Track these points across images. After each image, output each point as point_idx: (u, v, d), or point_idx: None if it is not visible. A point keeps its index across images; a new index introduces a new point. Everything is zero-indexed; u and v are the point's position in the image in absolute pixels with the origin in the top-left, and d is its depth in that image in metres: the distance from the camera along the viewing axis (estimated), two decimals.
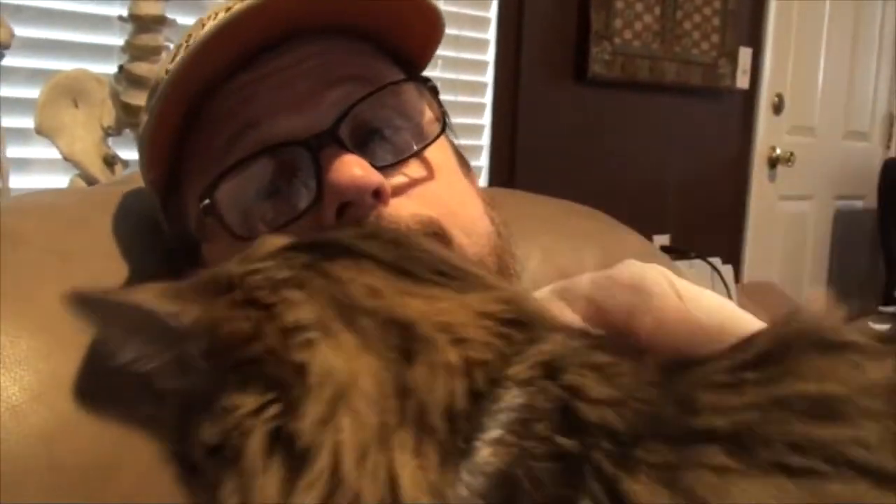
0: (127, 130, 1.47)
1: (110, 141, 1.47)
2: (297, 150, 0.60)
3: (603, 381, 0.36)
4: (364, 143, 0.63)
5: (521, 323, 0.40)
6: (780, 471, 0.31)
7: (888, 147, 4.02)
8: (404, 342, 0.37)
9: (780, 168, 3.39)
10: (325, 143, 0.60)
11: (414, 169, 0.63)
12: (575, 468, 0.33)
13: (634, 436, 0.33)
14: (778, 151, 3.36)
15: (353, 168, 0.59)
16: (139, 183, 0.71)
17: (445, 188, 0.64)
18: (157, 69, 0.67)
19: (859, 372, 0.34)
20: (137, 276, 0.66)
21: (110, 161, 1.45)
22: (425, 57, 0.71)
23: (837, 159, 3.75)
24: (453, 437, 0.35)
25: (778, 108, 3.37)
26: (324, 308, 0.38)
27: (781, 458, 0.31)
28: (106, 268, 0.67)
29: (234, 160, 0.61)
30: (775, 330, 0.37)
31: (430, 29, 0.68)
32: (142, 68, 1.41)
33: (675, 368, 0.36)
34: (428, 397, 0.36)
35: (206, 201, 0.61)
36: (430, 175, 0.64)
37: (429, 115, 0.66)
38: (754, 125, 3.27)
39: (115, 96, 1.44)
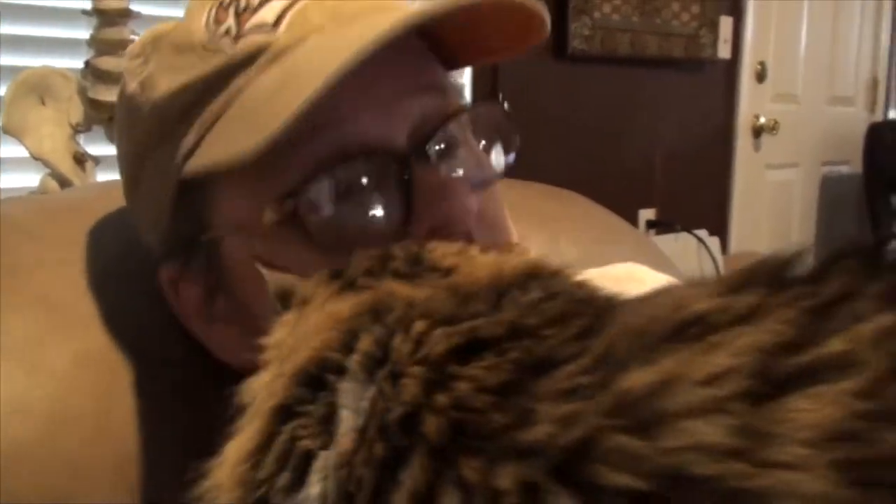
0: (96, 126, 1.45)
1: (80, 138, 1.45)
2: (387, 160, 0.56)
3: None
4: (445, 160, 0.59)
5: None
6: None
7: (872, 111, 4.00)
8: None
9: (764, 137, 3.38)
10: (417, 159, 0.57)
11: (480, 197, 0.61)
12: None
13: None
14: (762, 120, 3.35)
15: (458, 196, 0.56)
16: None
17: (503, 213, 0.62)
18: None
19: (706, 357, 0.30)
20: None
21: (80, 159, 1.42)
22: (473, 63, 0.68)
23: (822, 125, 3.73)
24: None
25: (761, 77, 3.34)
26: None
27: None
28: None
29: (313, 160, 0.55)
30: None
31: (520, 33, 0.62)
32: (108, 63, 1.38)
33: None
34: None
35: (289, 203, 0.55)
36: (497, 201, 0.62)
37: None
38: (737, 94, 3.24)
39: (82, 92, 1.41)
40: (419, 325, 0.36)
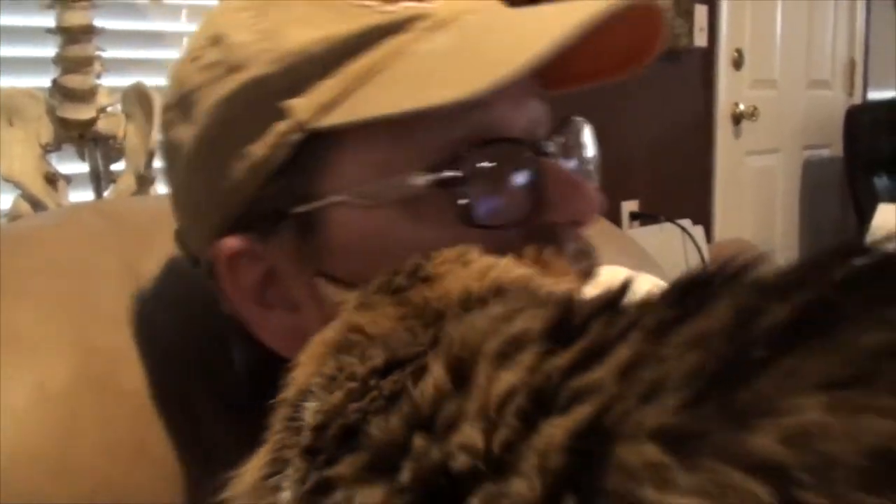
0: (66, 145, 1.43)
1: (51, 157, 1.43)
2: (525, 148, 0.57)
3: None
4: (567, 159, 0.62)
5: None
6: None
7: (851, 93, 4.01)
8: None
9: (744, 123, 3.38)
10: (544, 151, 0.58)
11: None
12: None
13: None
14: (741, 107, 3.35)
15: (589, 192, 0.58)
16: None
17: None
18: None
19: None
20: None
21: (52, 178, 1.41)
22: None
23: (801, 110, 3.73)
24: None
25: (738, 64, 3.34)
26: None
27: None
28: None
29: (458, 136, 0.55)
30: None
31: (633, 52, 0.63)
32: (75, 80, 1.37)
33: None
34: None
35: (456, 173, 0.54)
36: None
37: None
38: (715, 82, 3.24)
39: (51, 111, 1.40)
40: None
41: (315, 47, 0.55)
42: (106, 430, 0.61)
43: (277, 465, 0.42)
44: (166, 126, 0.62)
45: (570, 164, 0.62)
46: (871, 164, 3.63)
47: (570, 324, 0.34)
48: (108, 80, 1.45)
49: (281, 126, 0.55)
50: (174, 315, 0.67)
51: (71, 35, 1.35)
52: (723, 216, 3.33)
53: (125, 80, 1.51)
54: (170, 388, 0.64)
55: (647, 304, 0.34)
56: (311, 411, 0.41)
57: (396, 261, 0.52)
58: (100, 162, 1.47)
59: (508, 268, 0.48)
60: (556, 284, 0.48)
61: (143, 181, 1.46)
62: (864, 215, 3.40)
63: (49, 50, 1.40)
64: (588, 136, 0.65)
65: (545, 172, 0.57)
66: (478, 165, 0.55)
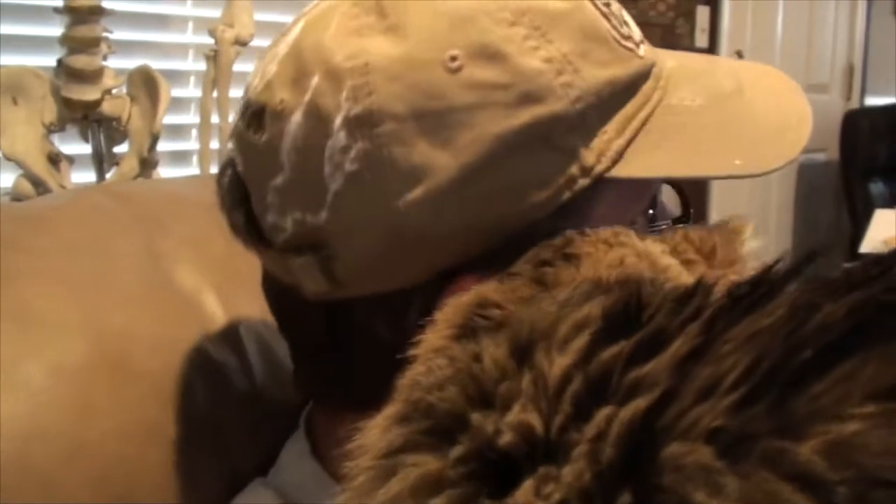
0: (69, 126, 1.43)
1: (54, 138, 1.43)
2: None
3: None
4: None
5: None
6: None
7: (848, 98, 4.02)
8: None
9: None
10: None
11: None
12: None
13: None
14: None
15: None
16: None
17: None
18: None
19: None
20: None
21: (54, 159, 1.40)
22: None
23: None
24: None
25: None
26: None
27: None
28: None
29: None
30: None
31: None
32: (81, 61, 1.37)
33: None
34: None
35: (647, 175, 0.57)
36: None
37: None
38: None
39: (55, 91, 1.39)
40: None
41: (605, 89, 0.52)
42: (120, 411, 0.61)
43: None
44: (385, 140, 0.50)
45: None
46: (867, 170, 3.64)
47: (632, 311, 0.34)
48: (114, 62, 1.44)
49: (574, 170, 0.52)
50: (191, 298, 0.66)
51: (78, 15, 1.35)
52: (718, 218, 3.33)
53: (131, 63, 1.50)
54: (184, 372, 0.64)
55: (713, 297, 0.34)
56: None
57: None
58: (103, 144, 1.46)
59: (654, 256, 0.47)
60: (691, 276, 0.47)
61: (146, 164, 1.46)
62: (859, 220, 3.42)
63: (56, 29, 1.40)
64: None
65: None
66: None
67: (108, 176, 1.47)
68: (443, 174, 0.50)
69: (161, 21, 1.82)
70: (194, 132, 1.77)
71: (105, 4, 1.38)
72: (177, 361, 0.64)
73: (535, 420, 0.32)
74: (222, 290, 0.70)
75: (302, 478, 0.63)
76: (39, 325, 0.61)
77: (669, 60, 0.59)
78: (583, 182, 0.52)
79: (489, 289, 0.45)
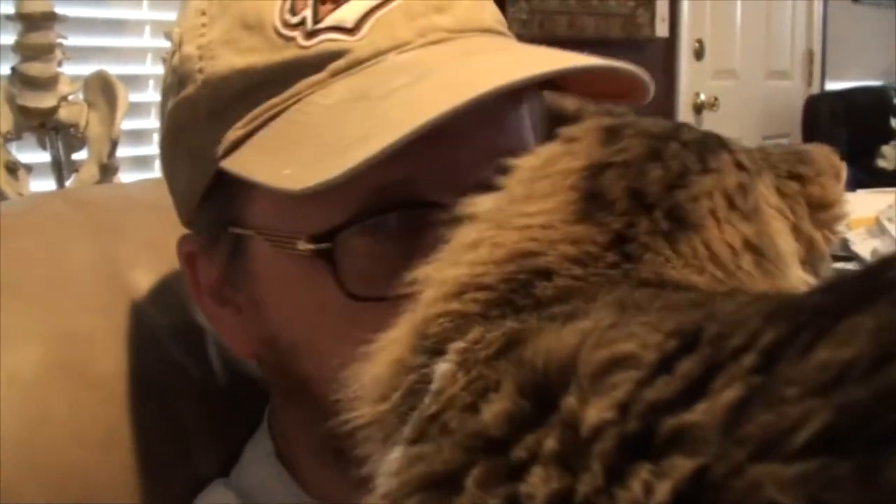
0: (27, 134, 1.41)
1: (11, 146, 1.41)
2: (434, 213, 0.49)
3: None
4: None
5: None
6: None
7: (809, 83, 4.06)
8: None
9: (705, 113, 3.41)
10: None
11: None
12: None
13: None
14: (702, 97, 3.38)
15: None
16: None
17: None
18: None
19: None
20: None
21: (12, 168, 1.38)
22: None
23: (761, 100, 3.77)
24: None
25: (699, 54, 3.37)
26: None
27: None
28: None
29: (357, 204, 0.52)
30: None
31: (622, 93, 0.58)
32: (35, 68, 1.35)
33: None
34: None
35: (325, 245, 0.52)
36: None
37: None
38: (677, 72, 3.27)
39: (11, 99, 1.37)
40: None
41: (236, 77, 0.54)
42: (77, 418, 0.60)
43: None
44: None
45: None
46: None
47: (687, 340, 0.28)
48: (70, 69, 1.43)
49: (207, 153, 0.55)
50: (149, 300, 0.66)
51: (31, 22, 1.33)
52: None
53: (87, 69, 1.49)
54: (143, 374, 0.64)
55: (771, 313, 0.27)
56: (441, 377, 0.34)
57: (303, 310, 0.54)
58: (61, 151, 1.45)
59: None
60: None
61: (106, 170, 1.45)
62: None
63: (8, 37, 1.38)
64: None
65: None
66: (356, 236, 0.52)
67: (67, 183, 1.45)
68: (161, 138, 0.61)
69: (117, 25, 1.81)
70: (155, 136, 1.76)
71: (59, 10, 1.37)
72: (135, 365, 0.64)
73: (559, 482, 0.27)
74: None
75: (264, 478, 0.63)
76: None
77: (417, 52, 0.54)
78: (213, 167, 0.55)
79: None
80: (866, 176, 3.29)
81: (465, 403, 0.32)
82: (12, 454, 0.57)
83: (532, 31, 2.57)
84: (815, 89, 4.06)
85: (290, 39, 0.54)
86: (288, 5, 0.54)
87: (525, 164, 0.42)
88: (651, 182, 0.39)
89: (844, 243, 2.02)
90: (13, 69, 1.37)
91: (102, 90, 1.44)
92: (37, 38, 1.33)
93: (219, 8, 0.57)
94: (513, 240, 0.37)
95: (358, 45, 0.53)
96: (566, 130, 0.43)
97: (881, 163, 2.82)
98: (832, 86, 4.15)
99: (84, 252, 0.68)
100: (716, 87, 3.43)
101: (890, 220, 1.92)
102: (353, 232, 0.52)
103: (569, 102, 0.48)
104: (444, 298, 0.37)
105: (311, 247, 0.53)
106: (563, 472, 0.27)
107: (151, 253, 0.70)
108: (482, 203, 0.42)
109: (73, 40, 1.44)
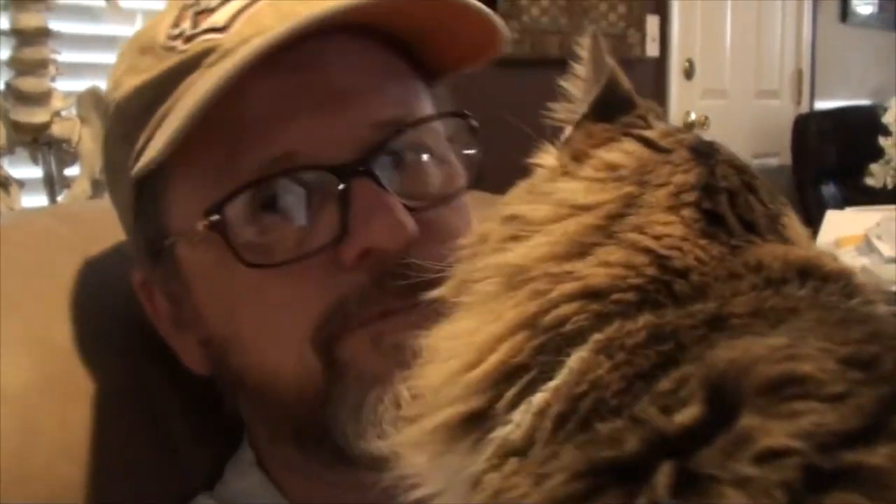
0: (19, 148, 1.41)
1: (4, 161, 1.41)
2: (324, 175, 0.55)
3: None
4: (395, 174, 0.58)
5: None
6: None
7: (798, 103, 4.09)
8: None
9: (695, 132, 3.42)
10: (357, 174, 0.55)
11: (440, 211, 0.59)
12: None
13: None
14: (692, 116, 3.39)
15: (392, 215, 0.55)
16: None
17: (466, 230, 0.58)
18: (155, 30, 0.59)
19: None
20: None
21: (4, 182, 1.39)
22: (459, 68, 0.65)
23: (751, 119, 3.79)
24: None
25: (689, 74, 3.39)
26: None
27: None
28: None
29: (247, 171, 0.55)
30: None
31: (480, 43, 0.61)
32: (29, 83, 1.36)
33: None
34: None
35: (215, 217, 0.55)
36: (461, 214, 0.61)
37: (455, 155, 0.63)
38: (667, 92, 3.28)
39: (4, 114, 1.38)
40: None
41: (132, 94, 0.58)
42: (65, 432, 0.60)
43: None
44: None
45: (403, 177, 0.58)
46: (818, 172, 3.70)
47: (867, 360, 0.28)
48: (63, 84, 1.43)
49: (126, 172, 0.58)
50: (134, 310, 0.66)
51: (25, 37, 1.34)
52: None
53: (80, 84, 1.49)
54: (131, 387, 0.64)
55: None
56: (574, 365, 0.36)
57: (222, 298, 0.57)
58: (53, 166, 1.45)
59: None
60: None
61: (98, 186, 1.45)
62: (813, 222, 3.45)
63: (1, 52, 1.39)
64: (464, 133, 0.63)
65: (347, 197, 0.55)
66: (241, 203, 0.55)
67: (59, 199, 1.45)
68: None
69: (110, 41, 1.81)
70: None
71: (52, 26, 1.37)
72: (123, 379, 0.64)
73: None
74: None
75: (245, 488, 0.63)
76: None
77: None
78: (130, 182, 0.58)
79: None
80: (855, 194, 3.31)
81: (617, 388, 0.33)
82: (2, 469, 0.56)
83: (523, 51, 2.59)
84: (804, 108, 4.08)
85: (172, 49, 0.58)
86: (172, 21, 0.59)
87: (607, 156, 0.44)
88: (759, 216, 0.42)
89: None
90: (6, 84, 1.37)
91: (95, 106, 1.44)
92: (30, 53, 1.34)
93: (127, 46, 0.62)
94: (649, 246, 0.39)
95: (227, 38, 0.56)
96: (638, 129, 0.46)
97: (869, 181, 2.83)
98: (821, 105, 4.17)
99: (69, 265, 0.68)
100: (706, 107, 3.45)
101: (879, 237, 1.94)
102: (241, 202, 0.55)
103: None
104: (578, 298, 0.38)
105: (205, 223, 0.55)
106: (736, 490, 0.27)
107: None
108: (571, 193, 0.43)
109: (66, 56, 1.44)
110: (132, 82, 0.58)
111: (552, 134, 0.53)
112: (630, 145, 0.44)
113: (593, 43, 0.49)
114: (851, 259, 1.93)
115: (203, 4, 0.58)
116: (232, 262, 0.55)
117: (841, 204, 3.45)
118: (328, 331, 0.55)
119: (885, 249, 1.92)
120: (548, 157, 0.48)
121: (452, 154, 0.62)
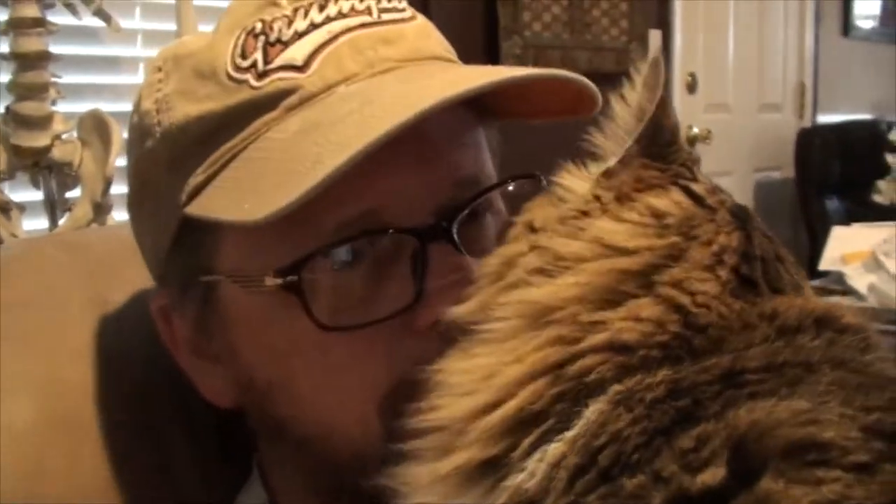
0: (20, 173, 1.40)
1: (4, 186, 1.40)
2: (404, 237, 0.53)
3: None
4: (469, 233, 0.55)
5: None
6: None
7: (801, 116, 4.08)
8: None
9: (698, 147, 3.41)
10: (437, 237, 0.53)
11: None
12: None
13: None
14: (695, 130, 3.38)
15: (469, 282, 0.50)
16: None
17: None
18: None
19: None
20: None
21: (5, 207, 1.38)
22: (532, 119, 0.63)
23: (753, 133, 3.79)
24: None
25: (692, 88, 3.39)
26: None
27: None
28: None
29: (323, 232, 0.52)
30: None
31: (568, 107, 0.59)
32: (29, 107, 1.35)
33: None
34: None
35: (292, 277, 0.52)
36: None
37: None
38: None
39: (4, 139, 1.37)
40: None
41: (191, 122, 0.55)
42: (73, 469, 0.59)
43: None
44: None
45: (477, 236, 0.56)
46: (821, 186, 3.69)
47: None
48: (64, 107, 1.43)
49: (171, 203, 0.56)
50: (143, 348, 0.65)
51: (25, 61, 1.33)
52: None
53: (81, 106, 1.48)
54: (139, 423, 0.63)
55: None
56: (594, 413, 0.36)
57: (275, 347, 0.54)
58: (55, 190, 1.44)
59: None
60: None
61: (100, 209, 1.43)
62: (816, 236, 3.45)
63: (2, 76, 1.38)
64: (529, 189, 0.60)
65: (425, 260, 0.53)
66: (323, 264, 0.53)
67: (60, 222, 1.44)
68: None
69: (111, 63, 1.81)
70: None
71: (53, 49, 1.36)
72: (128, 414, 0.63)
73: None
74: None
75: None
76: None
77: (368, 82, 0.54)
78: (177, 216, 0.56)
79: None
80: (860, 209, 3.30)
81: (638, 443, 0.33)
82: None
83: (526, 66, 2.58)
84: (806, 122, 4.08)
85: (243, 82, 0.55)
86: (239, 51, 0.56)
87: (656, 203, 0.44)
88: (786, 285, 0.43)
89: (841, 278, 2.02)
90: (7, 108, 1.36)
91: (96, 128, 1.43)
92: (31, 77, 1.33)
93: (173, 63, 0.59)
94: (682, 303, 0.39)
95: (308, 80, 0.54)
96: (685, 180, 0.46)
97: (877, 197, 2.83)
98: (823, 119, 4.17)
99: (76, 297, 0.67)
100: (708, 121, 3.45)
101: (886, 254, 1.92)
102: (318, 263, 0.53)
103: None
104: (605, 350, 0.38)
105: (278, 281, 0.53)
106: None
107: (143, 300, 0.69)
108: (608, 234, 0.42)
109: (66, 78, 1.44)
110: (189, 109, 0.55)
111: (574, 154, 0.53)
112: (678, 196, 0.44)
113: (652, 68, 0.48)
114: (859, 276, 1.92)
115: (274, 36, 0.55)
116: (296, 317, 0.53)
117: (845, 218, 3.44)
118: (396, 398, 0.51)
119: (892, 266, 1.90)
120: (576, 181, 0.47)
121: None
